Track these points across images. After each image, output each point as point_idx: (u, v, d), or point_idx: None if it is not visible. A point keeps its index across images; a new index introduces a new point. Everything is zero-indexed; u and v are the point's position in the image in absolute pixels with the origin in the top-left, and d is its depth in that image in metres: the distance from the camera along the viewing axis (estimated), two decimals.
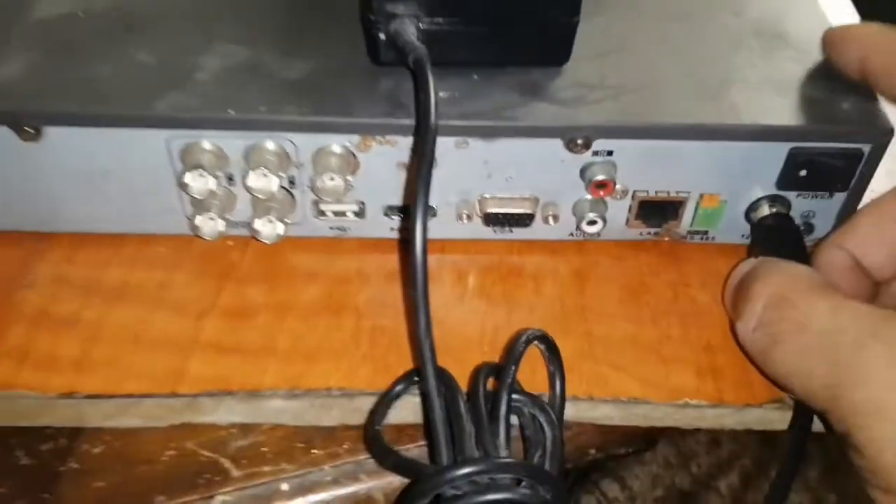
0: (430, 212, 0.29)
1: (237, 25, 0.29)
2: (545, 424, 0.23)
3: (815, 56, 0.29)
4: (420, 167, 0.23)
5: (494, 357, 0.27)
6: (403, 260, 0.29)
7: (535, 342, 0.25)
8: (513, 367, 0.23)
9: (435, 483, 0.21)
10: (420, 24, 0.26)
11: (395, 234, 0.29)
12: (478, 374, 0.24)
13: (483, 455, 0.22)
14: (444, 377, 0.23)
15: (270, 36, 0.29)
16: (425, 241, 0.22)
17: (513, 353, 0.24)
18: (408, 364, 0.26)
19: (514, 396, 0.23)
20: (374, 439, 0.24)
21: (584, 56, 0.28)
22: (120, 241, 0.29)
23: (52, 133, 0.26)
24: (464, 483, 0.21)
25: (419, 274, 0.21)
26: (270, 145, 0.26)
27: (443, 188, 0.28)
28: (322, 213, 0.29)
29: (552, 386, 0.25)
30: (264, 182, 0.26)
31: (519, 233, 0.29)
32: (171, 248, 0.29)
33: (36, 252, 0.29)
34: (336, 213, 0.29)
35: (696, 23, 0.30)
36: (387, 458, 0.24)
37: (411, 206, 0.22)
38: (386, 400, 0.25)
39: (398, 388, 0.25)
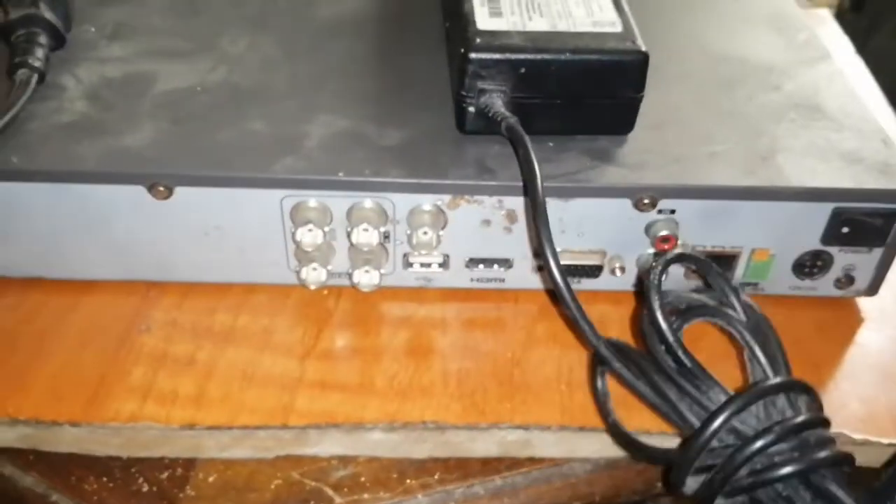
0: (508, 264, 0.32)
1: (335, 97, 0.32)
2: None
3: (849, 126, 0.32)
4: (536, 211, 0.26)
5: (572, 395, 0.29)
6: (482, 308, 0.32)
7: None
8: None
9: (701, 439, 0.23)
10: (505, 99, 0.30)
11: (474, 284, 0.32)
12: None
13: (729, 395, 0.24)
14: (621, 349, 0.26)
15: (365, 107, 0.32)
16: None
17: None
18: (492, 401, 0.29)
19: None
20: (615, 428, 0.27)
21: (646, 125, 0.31)
22: (224, 289, 0.32)
23: (181, 192, 0.29)
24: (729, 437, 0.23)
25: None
26: (371, 204, 0.30)
27: (521, 243, 0.31)
28: (410, 265, 0.32)
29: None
30: (367, 236, 0.30)
31: (587, 283, 0.32)
32: (271, 296, 0.32)
33: (148, 299, 0.32)
34: (423, 265, 0.32)
35: (741, 94, 0.34)
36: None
37: (539, 244, 0.26)
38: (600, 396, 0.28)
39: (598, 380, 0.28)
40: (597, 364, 0.28)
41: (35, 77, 0.31)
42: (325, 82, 0.33)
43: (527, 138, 0.27)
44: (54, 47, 0.33)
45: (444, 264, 0.32)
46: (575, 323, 0.26)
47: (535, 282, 0.32)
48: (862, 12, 1.33)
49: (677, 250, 0.28)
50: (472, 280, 0.32)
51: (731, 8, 0.40)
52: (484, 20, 0.30)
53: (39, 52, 0.32)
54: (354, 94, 0.33)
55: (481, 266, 0.32)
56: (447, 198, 0.30)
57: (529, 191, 0.27)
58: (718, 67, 0.35)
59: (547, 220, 0.26)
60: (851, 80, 0.35)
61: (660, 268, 0.26)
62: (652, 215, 0.30)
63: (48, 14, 0.33)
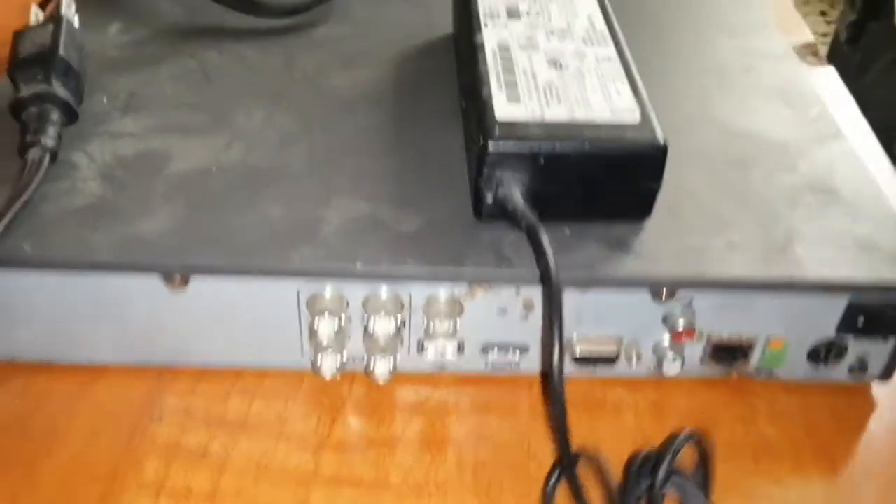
0: (523, 349, 0.32)
1: (352, 177, 0.32)
2: None
3: (864, 211, 0.32)
4: (552, 320, 0.26)
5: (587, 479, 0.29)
6: (497, 393, 0.32)
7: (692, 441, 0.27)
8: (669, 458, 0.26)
9: None
10: (523, 189, 0.29)
11: (489, 369, 0.32)
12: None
13: None
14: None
15: (381, 188, 0.32)
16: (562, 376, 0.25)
17: (672, 444, 0.26)
18: (510, 495, 0.29)
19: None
20: None
21: (662, 208, 0.31)
22: (237, 373, 0.32)
23: (197, 282, 0.29)
24: None
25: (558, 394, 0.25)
26: (388, 293, 0.30)
27: (537, 329, 0.31)
28: (424, 351, 0.32)
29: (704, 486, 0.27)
30: (383, 327, 0.29)
31: (602, 370, 0.32)
32: (285, 380, 0.32)
33: (160, 385, 0.32)
34: (437, 350, 0.32)
35: (755, 176, 0.34)
36: None
37: (546, 353, 0.25)
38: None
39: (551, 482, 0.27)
40: (560, 469, 0.28)
41: (47, 157, 0.31)
42: (341, 161, 0.33)
43: (546, 243, 0.27)
44: (67, 123, 0.33)
45: (459, 349, 0.31)
46: (556, 425, 0.26)
47: None
48: (857, 46, 1.34)
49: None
50: (486, 365, 0.32)
51: (742, 78, 0.40)
52: (502, 107, 0.30)
53: (52, 131, 0.31)
54: (371, 175, 0.32)
55: (496, 351, 0.32)
56: (465, 288, 0.30)
57: (548, 299, 0.27)
58: (731, 144, 0.35)
59: (562, 334, 0.26)
60: (863, 159, 0.35)
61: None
62: (669, 305, 0.30)
63: (61, 91, 0.32)
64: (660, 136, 0.29)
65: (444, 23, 0.42)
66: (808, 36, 0.55)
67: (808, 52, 0.54)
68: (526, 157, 0.29)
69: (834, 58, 1.43)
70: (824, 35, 1.82)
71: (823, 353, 0.32)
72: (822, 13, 1.94)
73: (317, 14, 0.42)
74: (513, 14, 0.35)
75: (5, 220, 0.28)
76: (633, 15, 0.41)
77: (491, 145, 0.29)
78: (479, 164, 0.29)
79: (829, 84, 0.50)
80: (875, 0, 1.35)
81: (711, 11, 0.45)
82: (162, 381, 0.32)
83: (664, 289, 0.29)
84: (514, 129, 0.29)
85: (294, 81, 0.37)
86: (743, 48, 0.42)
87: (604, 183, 0.30)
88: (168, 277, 0.29)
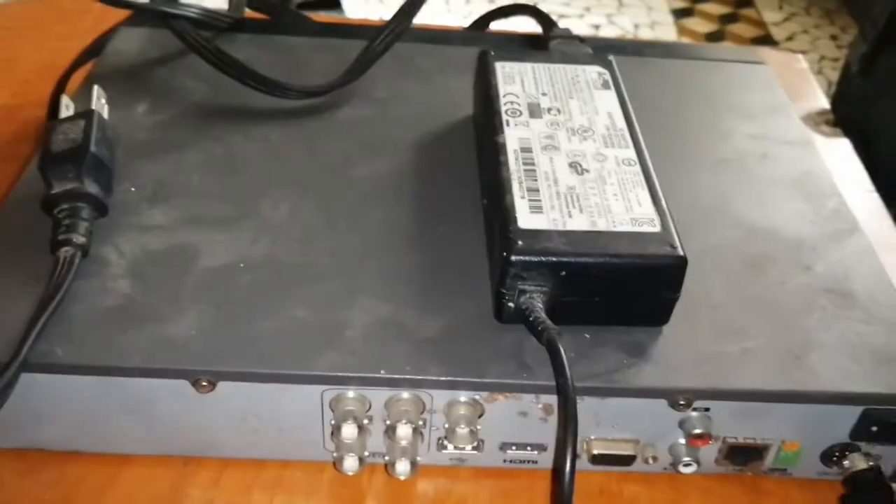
0: (541, 448, 0.32)
1: (375, 277, 0.33)
2: None
3: (879, 317, 0.33)
4: (566, 431, 0.27)
5: None
6: (515, 487, 0.33)
7: None
8: None
9: None
10: (544, 298, 0.30)
11: (507, 465, 0.33)
12: None
13: None
14: None
15: (404, 289, 0.33)
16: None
17: None
18: None
19: None
20: None
21: (680, 312, 0.32)
22: (260, 465, 0.33)
23: (224, 386, 0.30)
24: None
25: None
26: (410, 396, 0.30)
27: (555, 430, 0.31)
28: (444, 447, 0.32)
29: None
30: (405, 430, 0.30)
31: (618, 468, 0.33)
32: (306, 472, 0.33)
33: (185, 475, 0.32)
34: (456, 448, 0.32)
35: (771, 277, 0.34)
36: None
37: (560, 462, 0.26)
38: None
39: None
40: None
41: (79, 255, 0.32)
42: (365, 259, 0.34)
43: (565, 359, 0.28)
44: (97, 217, 0.34)
45: (477, 448, 0.32)
46: None
47: None
48: (868, 77, 1.34)
49: None
50: (504, 461, 0.33)
51: (759, 167, 0.40)
52: (525, 217, 0.31)
53: (83, 228, 0.32)
54: (393, 274, 0.33)
55: (514, 449, 0.32)
56: (486, 394, 0.30)
57: (563, 412, 0.28)
58: (748, 243, 0.36)
59: (576, 444, 0.26)
60: (878, 257, 0.36)
61: None
62: (687, 413, 0.31)
63: (92, 188, 0.33)
64: (679, 249, 0.30)
65: (463, 102, 0.42)
66: (822, 103, 0.55)
67: (822, 119, 0.55)
68: (548, 269, 0.30)
69: (845, 88, 1.44)
70: (835, 59, 1.82)
71: (837, 456, 0.32)
72: (833, 37, 1.94)
73: (340, 94, 0.42)
74: (534, 112, 0.36)
75: (38, 327, 0.29)
76: (647, 99, 0.42)
77: (514, 258, 0.29)
78: (501, 274, 0.30)
79: (843, 157, 0.51)
80: (888, 32, 1.35)
81: (727, 92, 0.46)
82: (186, 472, 0.32)
83: (682, 399, 0.30)
84: (536, 241, 0.30)
85: (318, 170, 0.38)
86: (759, 133, 0.42)
87: (624, 291, 0.30)
88: (196, 382, 0.29)
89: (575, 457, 0.26)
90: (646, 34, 1.82)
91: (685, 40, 1.79)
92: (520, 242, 0.30)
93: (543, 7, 0.49)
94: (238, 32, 0.47)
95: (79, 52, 0.50)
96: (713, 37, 1.84)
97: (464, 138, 0.40)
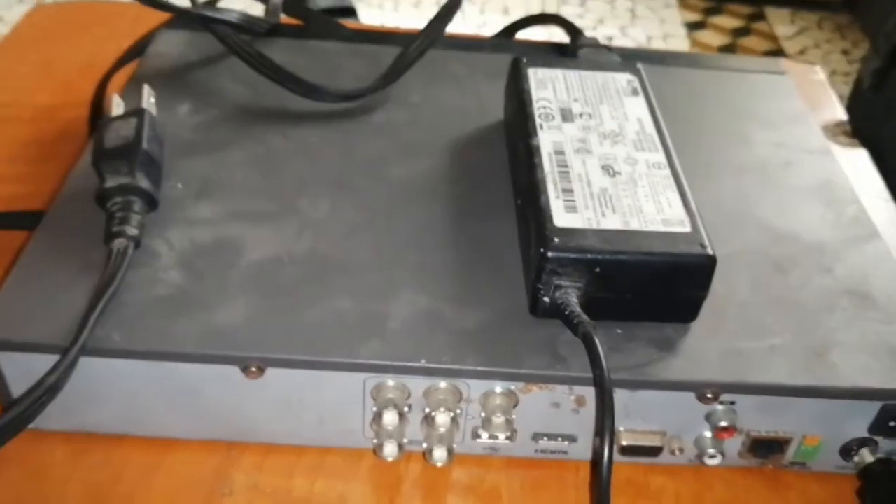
0: (572, 439, 0.33)
1: (415, 272, 0.34)
2: None
3: None
4: (604, 426, 0.28)
5: None
6: (545, 477, 0.34)
7: None
8: None
9: None
10: (579, 293, 0.31)
11: (538, 455, 0.34)
12: None
13: None
14: None
15: (442, 283, 0.34)
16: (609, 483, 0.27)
17: None
18: None
19: None
20: None
21: (707, 310, 0.33)
22: (301, 451, 0.34)
23: (272, 373, 0.31)
24: None
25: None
26: (448, 386, 0.32)
27: (586, 422, 0.33)
28: (478, 436, 0.33)
29: None
30: (443, 418, 0.31)
31: (645, 459, 0.34)
32: (346, 459, 0.34)
33: (229, 459, 0.34)
34: (490, 437, 0.33)
35: (794, 278, 0.36)
36: None
37: (598, 452, 0.27)
38: None
39: None
40: None
41: (132, 246, 0.33)
42: (403, 254, 0.35)
43: (601, 350, 0.29)
44: (148, 211, 0.35)
45: (510, 437, 0.33)
46: None
47: None
48: (881, 93, 1.36)
49: None
50: (536, 451, 0.34)
51: (782, 174, 0.42)
52: (560, 216, 0.32)
53: (135, 220, 0.34)
54: (432, 269, 0.34)
55: (546, 439, 0.34)
56: (521, 384, 0.31)
57: (600, 402, 0.29)
58: (772, 246, 0.37)
59: (613, 436, 0.28)
60: None
61: None
62: (713, 405, 0.32)
63: (144, 182, 0.35)
64: (709, 248, 0.31)
65: (493, 108, 0.44)
66: (840, 114, 0.57)
67: (839, 130, 0.56)
68: (583, 265, 0.31)
69: (856, 103, 1.45)
70: (846, 74, 1.84)
71: (855, 450, 0.34)
72: (845, 52, 1.95)
73: (375, 98, 0.44)
74: (567, 117, 0.37)
75: (96, 313, 0.30)
76: (673, 108, 0.43)
77: (550, 255, 0.31)
78: (538, 270, 0.31)
79: (861, 166, 0.52)
80: None
81: (749, 102, 0.47)
82: (230, 457, 0.34)
83: (709, 392, 0.31)
84: (571, 239, 0.31)
85: (355, 169, 0.39)
86: (781, 142, 0.44)
87: (655, 289, 0.32)
88: (245, 368, 0.31)
89: (612, 446, 0.27)
90: (658, 46, 1.84)
91: (697, 52, 1.81)
92: (556, 240, 0.31)
93: None
94: (274, 37, 0.48)
95: (116, 53, 0.51)
96: (725, 50, 1.85)
97: (495, 141, 0.42)
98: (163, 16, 0.49)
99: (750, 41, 1.91)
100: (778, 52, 1.87)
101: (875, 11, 1.93)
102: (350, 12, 1.73)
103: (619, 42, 1.84)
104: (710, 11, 2.02)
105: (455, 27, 0.46)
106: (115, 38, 0.59)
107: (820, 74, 0.62)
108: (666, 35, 1.90)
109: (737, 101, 0.47)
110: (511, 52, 0.49)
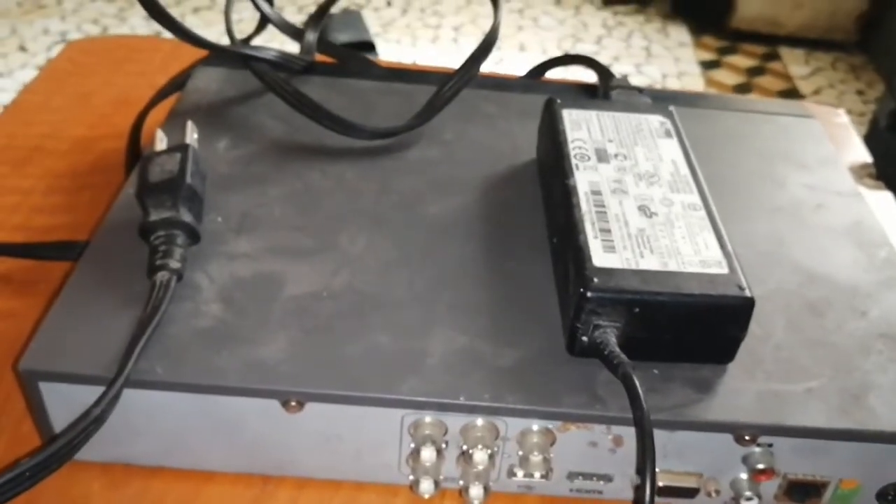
0: (608, 478, 0.33)
1: (451, 309, 0.35)
2: None
3: None
4: (645, 466, 0.28)
5: None
6: None
7: None
8: None
9: None
10: (617, 333, 0.32)
11: (573, 494, 0.34)
12: None
13: None
14: None
15: (479, 321, 0.34)
16: None
17: None
18: None
19: None
20: None
21: (744, 351, 0.33)
22: (336, 486, 0.34)
23: (311, 407, 0.31)
24: None
25: None
26: (485, 423, 0.32)
27: (623, 462, 0.33)
28: (514, 474, 0.33)
29: None
30: (481, 455, 0.31)
31: (682, 500, 0.34)
32: (380, 495, 0.34)
33: (265, 493, 0.34)
34: (525, 475, 0.34)
35: (829, 321, 0.36)
36: None
37: (639, 493, 0.27)
38: None
39: None
40: None
41: (174, 279, 0.34)
42: (439, 291, 0.35)
43: (641, 392, 0.29)
44: (190, 244, 0.35)
45: (546, 476, 0.33)
46: None
47: (631, 495, 0.34)
48: None
49: None
50: (571, 490, 0.34)
51: (813, 216, 0.42)
52: (599, 255, 0.32)
53: (178, 254, 0.34)
54: (468, 306, 0.35)
55: (581, 478, 0.34)
56: (559, 423, 0.32)
57: (641, 444, 0.29)
58: (806, 288, 0.37)
59: (654, 477, 0.28)
60: None
61: None
62: (750, 448, 0.32)
63: (187, 217, 0.35)
64: (748, 290, 0.32)
65: (525, 146, 0.44)
66: (864, 156, 0.57)
67: (864, 173, 0.56)
68: (622, 306, 0.31)
69: (872, 143, 1.46)
70: (861, 115, 1.85)
71: (892, 494, 0.34)
72: (859, 92, 1.97)
73: (409, 136, 0.45)
74: (602, 157, 0.38)
75: (140, 345, 0.31)
76: (703, 149, 0.44)
77: (590, 294, 0.31)
78: (576, 309, 0.31)
79: (887, 208, 0.52)
80: None
81: (778, 144, 0.47)
82: (266, 490, 0.34)
83: (747, 434, 0.31)
84: (611, 279, 0.31)
85: (391, 206, 0.40)
86: (812, 184, 0.44)
87: (692, 330, 0.32)
88: (286, 403, 0.31)
89: (654, 487, 0.27)
90: (673, 84, 1.85)
91: (712, 91, 1.82)
92: (595, 280, 0.31)
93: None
94: (309, 75, 0.49)
95: (149, 87, 0.52)
96: (740, 89, 1.87)
97: (528, 180, 0.42)
98: (196, 52, 0.50)
99: (765, 80, 1.92)
100: (792, 92, 1.89)
101: (889, 52, 1.94)
102: (369, 47, 1.76)
103: (635, 80, 1.85)
104: (724, 51, 2.03)
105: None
106: (149, 73, 0.60)
107: (843, 117, 0.62)
108: (681, 73, 1.92)
109: (766, 144, 0.47)
110: (541, 92, 0.50)
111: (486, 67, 0.47)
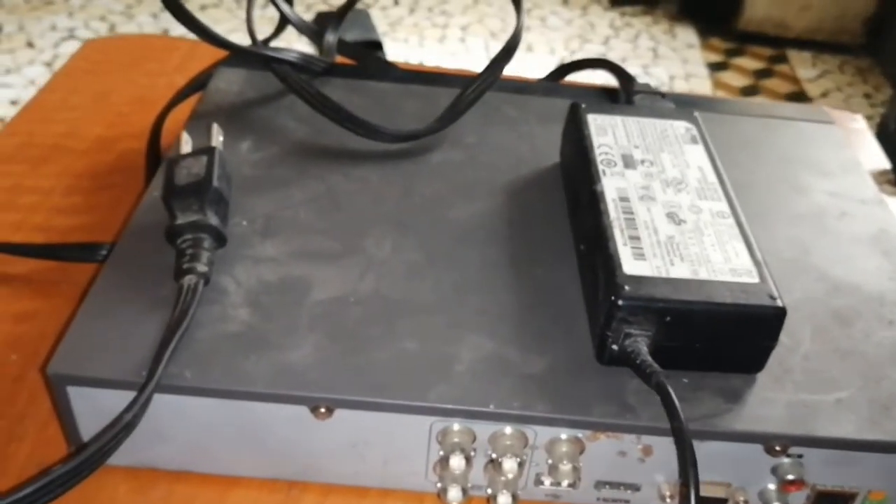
0: (635, 488, 0.33)
1: (478, 315, 0.34)
2: None
3: None
4: (687, 477, 0.28)
5: None
6: None
7: None
8: None
9: None
10: (648, 342, 0.32)
11: (600, 503, 0.34)
12: None
13: None
14: None
15: (506, 327, 0.34)
16: None
17: None
18: None
19: None
20: None
21: (773, 361, 0.33)
22: (362, 493, 0.34)
23: (340, 414, 0.31)
24: None
25: None
26: (514, 431, 0.31)
27: (652, 471, 0.33)
28: (541, 483, 0.33)
29: None
30: (511, 464, 0.31)
31: None
32: (406, 501, 0.34)
33: (290, 498, 0.34)
34: (553, 483, 0.33)
35: (857, 331, 0.36)
36: None
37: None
38: None
39: None
40: None
41: (202, 283, 0.33)
42: (466, 296, 0.35)
43: (676, 401, 0.29)
44: (217, 248, 0.35)
45: (573, 484, 0.33)
46: None
47: None
48: None
49: None
50: (598, 499, 0.34)
51: (837, 223, 0.42)
52: (629, 263, 0.32)
53: (205, 257, 0.34)
54: (494, 311, 0.35)
55: (608, 488, 0.33)
56: (588, 432, 0.31)
57: (679, 452, 0.29)
58: (832, 296, 0.37)
59: (699, 487, 0.28)
60: None
61: None
62: (780, 458, 0.32)
63: (214, 220, 0.35)
64: (779, 300, 0.31)
65: (546, 150, 0.44)
66: (883, 163, 0.57)
67: (883, 179, 0.56)
68: (653, 314, 0.31)
69: (881, 145, 1.45)
70: (868, 118, 1.84)
71: None
72: (867, 96, 1.96)
73: (432, 139, 0.44)
74: (629, 163, 0.38)
75: (170, 349, 0.31)
76: (726, 155, 0.43)
77: (622, 302, 0.31)
78: (607, 317, 0.31)
79: None
80: None
81: (800, 151, 0.47)
82: (291, 496, 0.34)
83: (778, 445, 0.31)
84: (642, 287, 0.31)
85: (415, 210, 0.40)
86: (835, 191, 0.44)
87: (723, 339, 0.32)
88: (315, 409, 0.31)
89: (699, 499, 0.27)
90: (681, 86, 1.85)
91: (720, 94, 1.82)
92: (627, 287, 0.31)
93: (579, 56, 0.51)
94: (329, 76, 0.49)
95: (168, 87, 0.52)
96: (748, 91, 1.86)
97: (551, 185, 0.42)
98: (214, 52, 0.50)
99: (772, 83, 1.92)
100: (800, 95, 1.88)
101: None
102: (376, 46, 1.76)
103: (642, 81, 1.85)
104: (732, 53, 2.03)
105: (481, 65, 0.46)
106: (166, 72, 0.60)
107: (861, 123, 0.62)
108: (688, 75, 1.91)
109: (787, 150, 0.47)
110: (561, 95, 0.49)
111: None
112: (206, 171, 0.36)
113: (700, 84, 1.88)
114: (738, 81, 1.91)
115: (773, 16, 2.00)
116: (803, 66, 2.00)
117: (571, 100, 0.44)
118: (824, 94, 1.90)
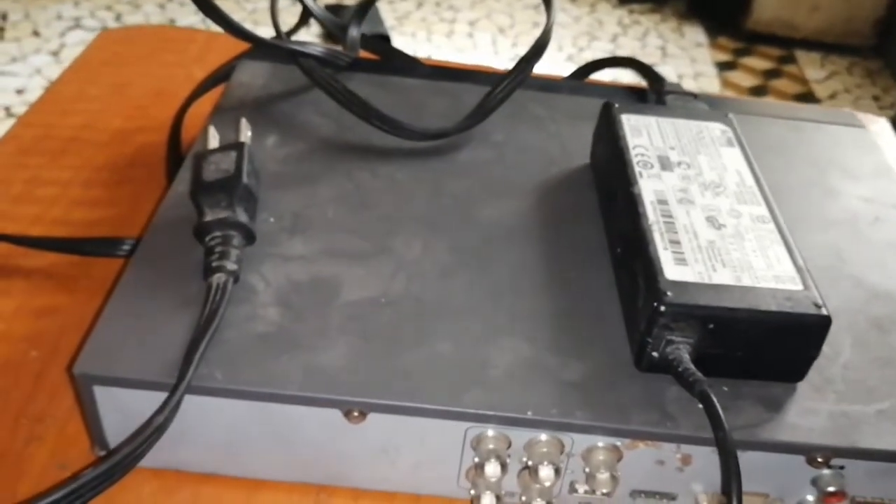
0: (671, 497, 0.33)
1: (511, 318, 0.34)
2: None
3: None
4: (731, 487, 0.27)
5: None
6: None
7: None
8: None
9: None
10: (689, 349, 0.31)
11: None
12: None
13: None
14: None
15: (541, 331, 0.33)
16: None
17: None
18: None
19: None
20: None
21: (812, 371, 0.32)
22: (392, 497, 0.33)
23: (373, 418, 0.30)
24: None
25: None
26: (550, 438, 0.31)
27: (689, 481, 0.32)
28: (575, 490, 0.33)
29: None
30: (547, 471, 0.30)
31: None
32: None
33: (318, 502, 0.33)
34: (587, 492, 0.33)
35: (894, 339, 0.35)
36: None
37: None
38: None
39: None
40: None
41: (231, 281, 0.33)
42: (499, 298, 0.34)
43: (719, 409, 0.28)
44: (245, 245, 0.35)
45: (608, 493, 0.32)
46: None
47: None
48: None
49: None
50: None
51: (871, 229, 0.41)
52: (671, 268, 0.32)
53: (234, 255, 0.33)
54: (529, 314, 0.34)
55: (644, 497, 0.33)
56: (627, 440, 0.31)
57: (723, 462, 0.28)
58: (869, 304, 0.36)
59: (740, 489, 0.27)
60: None
61: None
62: (821, 470, 0.31)
63: (243, 217, 0.34)
64: (824, 308, 0.31)
65: (575, 149, 0.44)
66: None
67: None
68: (696, 321, 0.30)
69: None
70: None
71: None
72: (875, 98, 1.96)
73: (459, 136, 0.44)
74: (665, 165, 0.37)
75: (200, 350, 0.30)
76: (755, 156, 0.43)
77: (664, 309, 0.30)
78: (648, 323, 0.31)
79: None
80: None
81: (831, 154, 0.46)
82: (320, 500, 0.33)
83: (819, 457, 0.30)
84: (685, 293, 0.31)
85: (445, 209, 0.39)
86: (868, 196, 0.43)
87: (766, 347, 0.31)
88: (348, 413, 0.30)
89: None
90: (689, 85, 1.84)
91: (728, 93, 1.81)
92: (669, 293, 0.31)
93: (589, 55, 0.51)
94: (353, 71, 0.48)
95: (186, 78, 0.52)
96: (756, 91, 1.86)
97: (583, 185, 0.41)
98: (232, 44, 0.49)
99: (781, 83, 1.91)
100: (808, 96, 1.88)
101: None
102: (384, 40, 1.75)
103: None
104: (740, 52, 2.02)
105: (488, 60, 0.46)
106: (185, 63, 0.59)
107: (884, 125, 0.61)
108: (697, 74, 1.90)
109: (818, 154, 0.47)
110: (588, 94, 0.49)
111: (502, 64, 0.46)
112: (236, 166, 0.35)
113: (708, 83, 1.87)
114: (746, 81, 1.90)
115: (781, 16, 1.99)
116: (812, 66, 1.99)
117: (599, 98, 0.43)
118: (832, 96, 1.89)
